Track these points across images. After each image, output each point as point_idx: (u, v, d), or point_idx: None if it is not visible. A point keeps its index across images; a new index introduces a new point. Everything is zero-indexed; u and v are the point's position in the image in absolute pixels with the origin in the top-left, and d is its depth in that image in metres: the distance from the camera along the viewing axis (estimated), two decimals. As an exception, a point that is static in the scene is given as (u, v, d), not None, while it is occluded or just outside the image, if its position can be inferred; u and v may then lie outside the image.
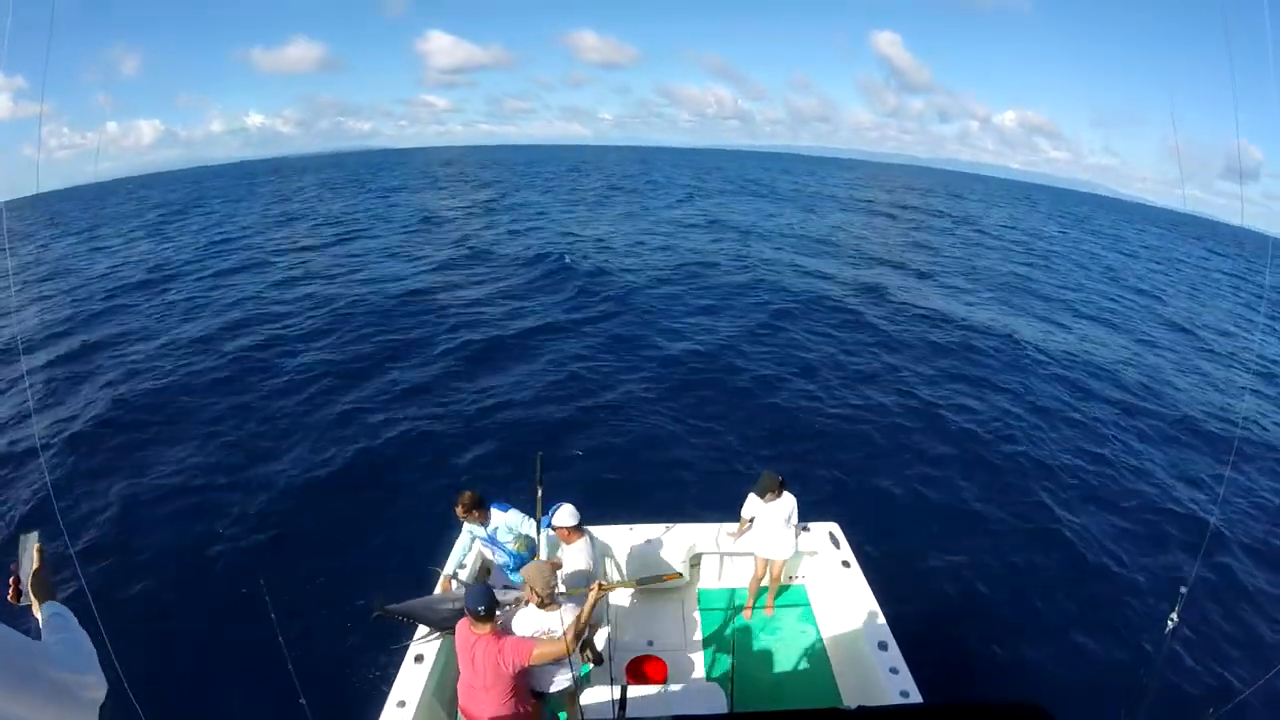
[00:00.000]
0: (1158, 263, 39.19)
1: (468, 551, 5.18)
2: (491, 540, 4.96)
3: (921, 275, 24.26)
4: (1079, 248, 39.36)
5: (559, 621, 3.88)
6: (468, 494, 4.76)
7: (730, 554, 5.77)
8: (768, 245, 28.21)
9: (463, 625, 3.80)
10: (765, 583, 5.60)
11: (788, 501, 5.22)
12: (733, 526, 5.57)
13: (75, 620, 1.87)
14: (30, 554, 2.02)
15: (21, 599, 1.95)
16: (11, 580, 1.96)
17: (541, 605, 3.95)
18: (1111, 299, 23.85)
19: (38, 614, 1.90)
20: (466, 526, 4.97)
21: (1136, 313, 22.39)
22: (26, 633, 1.71)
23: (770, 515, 5.23)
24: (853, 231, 35.35)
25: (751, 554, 5.59)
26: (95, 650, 1.78)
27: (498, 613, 3.76)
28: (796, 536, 5.33)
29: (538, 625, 3.91)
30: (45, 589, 1.97)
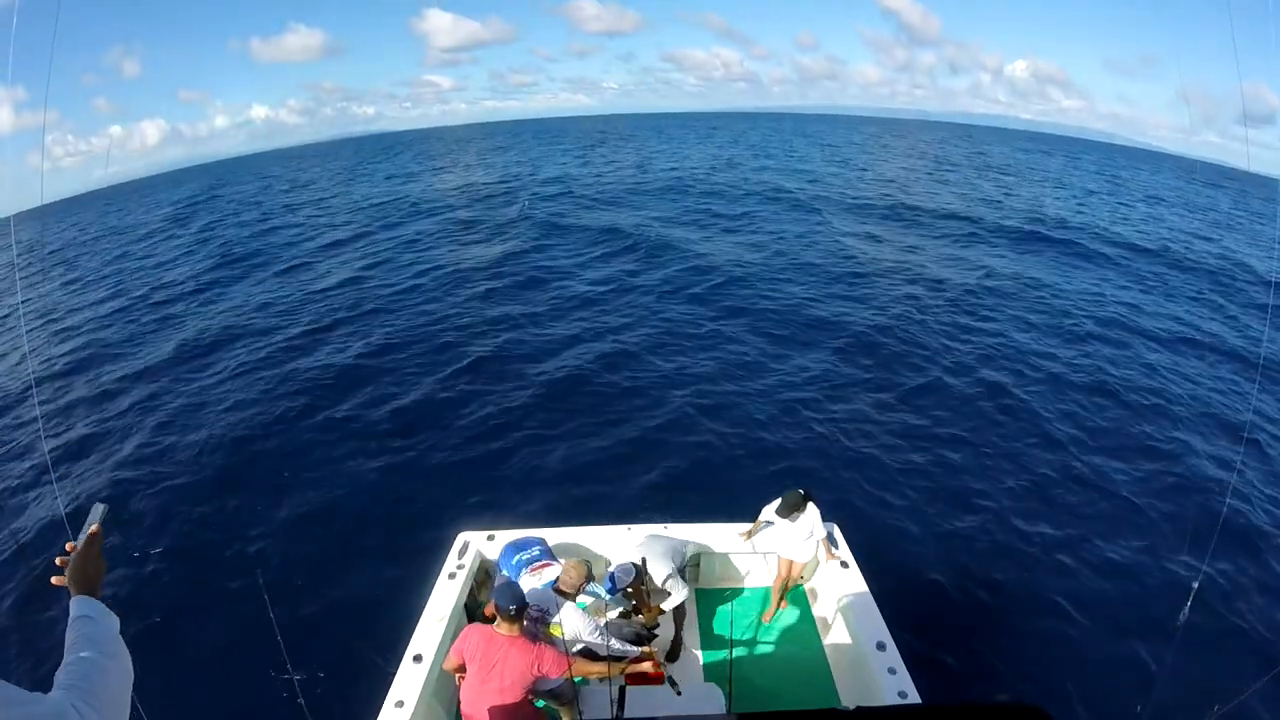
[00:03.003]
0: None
1: None
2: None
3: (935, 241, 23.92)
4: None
5: (557, 606, 4.18)
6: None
7: (730, 554, 5.76)
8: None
9: (477, 628, 3.82)
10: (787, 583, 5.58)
11: (810, 515, 5.17)
12: (745, 526, 5.55)
13: (113, 631, 1.53)
14: (89, 528, 1.68)
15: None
16: (70, 547, 1.65)
17: (561, 593, 4.27)
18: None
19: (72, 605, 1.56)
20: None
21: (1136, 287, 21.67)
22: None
23: (793, 529, 5.21)
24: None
25: (761, 554, 5.61)
26: (128, 677, 1.47)
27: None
28: (823, 546, 5.29)
29: (540, 602, 4.18)
30: (86, 575, 1.60)
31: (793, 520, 5.13)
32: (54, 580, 1.61)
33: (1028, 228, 26.02)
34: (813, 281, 18.05)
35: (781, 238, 23.07)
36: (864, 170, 46.36)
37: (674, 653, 5.22)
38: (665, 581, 4.90)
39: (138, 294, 20.80)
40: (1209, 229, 32.05)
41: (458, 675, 3.91)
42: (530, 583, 4.66)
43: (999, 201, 33.07)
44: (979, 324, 15.14)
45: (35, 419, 11.60)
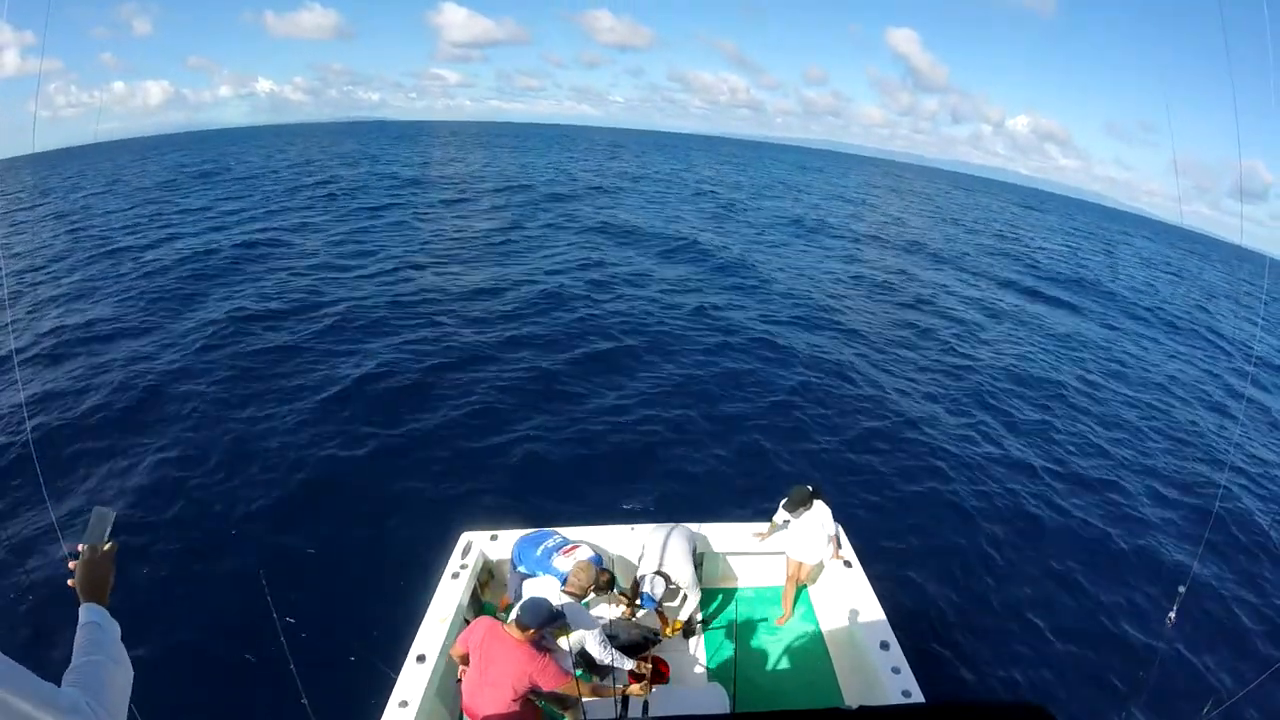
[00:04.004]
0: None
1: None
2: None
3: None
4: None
5: (566, 609, 4.10)
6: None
7: (732, 554, 5.77)
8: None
9: (486, 621, 3.80)
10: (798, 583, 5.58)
11: (819, 511, 5.17)
12: (752, 526, 5.57)
13: (116, 637, 1.61)
14: (101, 534, 1.74)
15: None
16: (84, 550, 1.70)
17: (568, 594, 4.24)
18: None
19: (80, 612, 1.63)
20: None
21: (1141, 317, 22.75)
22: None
23: (803, 525, 5.22)
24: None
25: (764, 554, 5.62)
26: (129, 682, 1.54)
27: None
28: (830, 545, 5.27)
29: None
30: (95, 584, 1.68)
31: (798, 516, 5.14)
32: (70, 583, 1.68)
33: (1039, 282, 27.08)
34: (836, 307, 18.45)
35: (812, 269, 23.64)
36: (889, 214, 47.53)
37: (689, 628, 5.27)
38: (687, 585, 4.96)
39: (138, 265, 19.99)
40: (1197, 294, 33.61)
41: (460, 666, 3.90)
42: (565, 564, 4.70)
43: (1013, 255, 34.16)
44: (987, 355, 15.63)
45: (19, 404, 11.09)
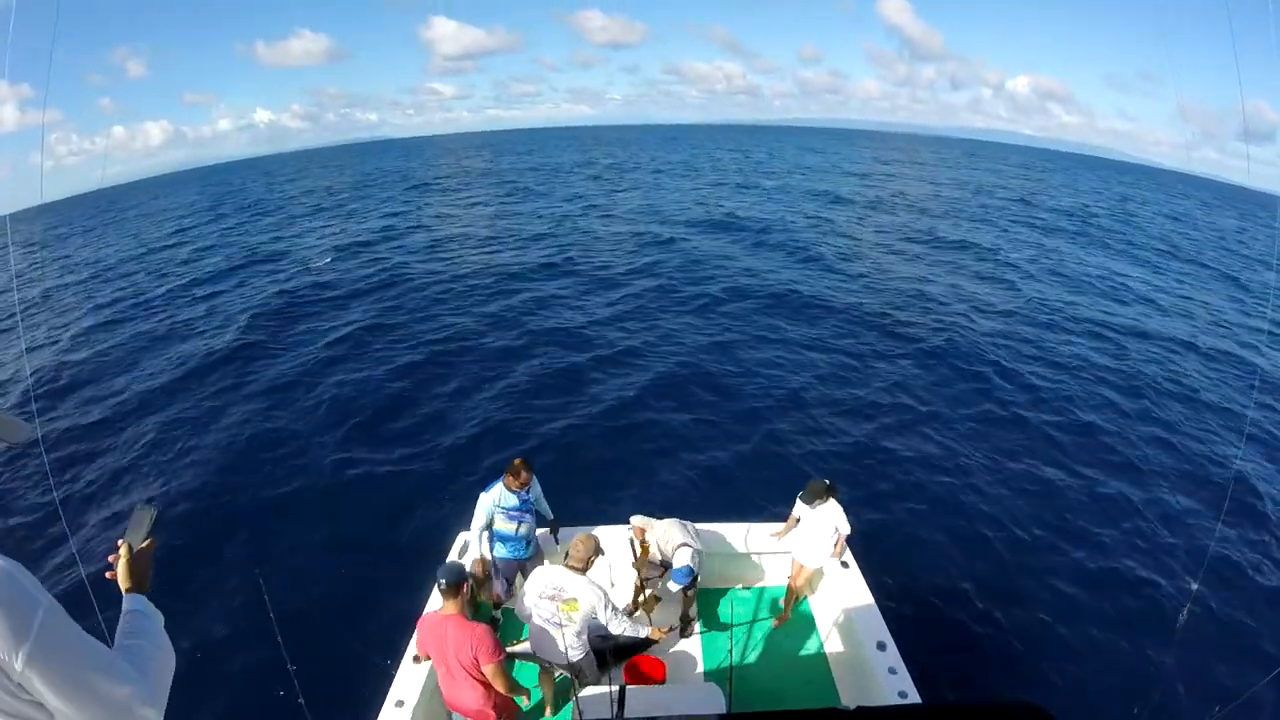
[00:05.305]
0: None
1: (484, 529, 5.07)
2: (525, 506, 5.04)
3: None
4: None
5: (571, 583, 4.05)
6: (520, 459, 4.90)
7: (731, 554, 5.76)
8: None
9: (424, 618, 3.86)
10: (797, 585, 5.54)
11: (831, 509, 5.12)
12: (776, 526, 5.57)
13: (159, 626, 1.70)
14: (140, 530, 1.87)
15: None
16: (122, 547, 1.79)
17: (571, 568, 4.15)
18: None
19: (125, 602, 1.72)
20: (491, 502, 4.97)
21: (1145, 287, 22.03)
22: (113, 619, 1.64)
23: (813, 520, 5.20)
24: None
25: (763, 554, 5.64)
26: (171, 668, 1.61)
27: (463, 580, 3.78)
28: (836, 546, 5.20)
29: (553, 581, 4.08)
30: (136, 577, 1.79)
31: (814, 508, 5.11)
32: (108, 575, 1.79)
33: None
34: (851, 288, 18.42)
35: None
36: (916, 188, 47.94)
37: (685, 629, 5.26)
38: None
39: (148, 293, 20.69)
40: (1214, 241, 33.43)
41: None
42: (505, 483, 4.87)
43: (1033, 220, 34.11)
44: (991, 336, 15.18)
45: (33, 417, 11.45)
